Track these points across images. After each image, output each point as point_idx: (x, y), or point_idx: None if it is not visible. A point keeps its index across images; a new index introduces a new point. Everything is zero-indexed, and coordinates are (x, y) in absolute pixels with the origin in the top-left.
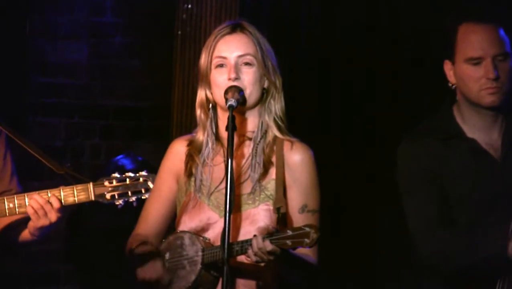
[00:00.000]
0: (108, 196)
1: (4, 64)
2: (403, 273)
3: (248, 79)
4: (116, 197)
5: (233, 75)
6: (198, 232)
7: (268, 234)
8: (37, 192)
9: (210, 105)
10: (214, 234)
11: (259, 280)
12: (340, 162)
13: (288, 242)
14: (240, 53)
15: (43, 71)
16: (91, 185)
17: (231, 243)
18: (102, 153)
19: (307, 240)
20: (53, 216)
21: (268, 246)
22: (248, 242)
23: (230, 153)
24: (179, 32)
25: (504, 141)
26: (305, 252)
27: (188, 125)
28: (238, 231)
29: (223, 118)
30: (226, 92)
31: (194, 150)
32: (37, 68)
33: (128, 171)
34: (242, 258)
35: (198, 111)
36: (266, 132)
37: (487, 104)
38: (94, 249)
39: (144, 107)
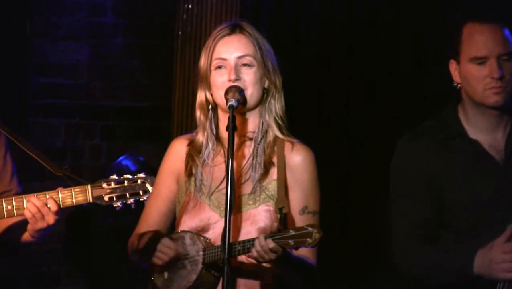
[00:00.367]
0: (106, 198)
1: (5, 64)
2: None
3: (249, 80)
4: (114, 199)
5: (233, 76)
6: (199, 232)
7: (270, 233)
8: (35, 194)
9: (210, 106)
10: (214, 234)
11: (260, 280)
12: (340, 162)
13: (291, 241)
14: (240, 54)
15: (44, 71)
16: (89, 187)
17: (232, 243)
18: (103, 153)
19: (309, 240)
20: (50, 219)
21: (270, 244)
22: (249, 241)
23: (231, 153)
24: (180, 33)
25: (508, 143)
26: (305, 254)
27: (188, 126)
28: (239, 232)
29: (223, 119)
30: (226, 92)
31: (194, 151)
32: (37, 69)
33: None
34: (243, 258)
35: (198, 113)
36: (266, 132)
37: (491, 103)
38: (94, 250)
39: (145, 108)
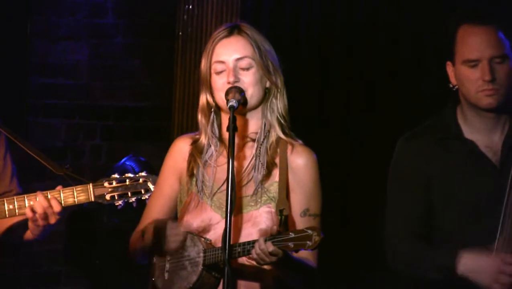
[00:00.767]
0: (107, 197)
1: (5, 64)
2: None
3: (248, 81)
4: (116, 198)
5: (232, 79)
6: (200, 233)
7: (270, 236)
8: (35, 194)
9: (212, 109)
10: (215, 235)
11: (260, 282)
12: (340, 162)
13: (291, 244)
14: (238, 56)
15: (44, 71)
16: (90, 186)
17: (233, 245)
18: (103, 153)
19: (309, 243)
20: (53, 219)
21: (270, 247)
22: (249, 243)
23: (231, 153)
24: (180, 33)
25: (505, 144)
26: (306, 256)
27: (188, 126)
28: (240, 233)
29: (226, 121)
30: (227, 93)
31: (196, 151)
32: (38, 69)
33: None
34: (243, 259)
35: (199, 116)
36: (269, 132)
37: (484, 106)
38: (94, 250)
39: (145, 108)
